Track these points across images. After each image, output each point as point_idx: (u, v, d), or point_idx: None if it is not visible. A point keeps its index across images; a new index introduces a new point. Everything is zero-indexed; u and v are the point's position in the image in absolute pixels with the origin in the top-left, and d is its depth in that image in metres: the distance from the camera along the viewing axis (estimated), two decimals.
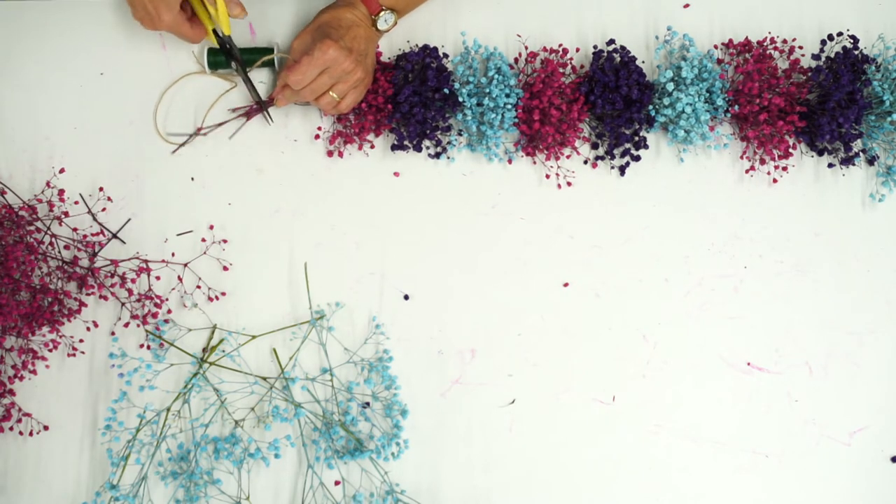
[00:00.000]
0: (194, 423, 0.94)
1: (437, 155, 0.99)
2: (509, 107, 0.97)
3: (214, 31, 0.93)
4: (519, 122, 0.98)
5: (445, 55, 1.01)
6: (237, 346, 0.96)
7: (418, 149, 0.99)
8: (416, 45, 1.01)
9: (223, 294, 0.96)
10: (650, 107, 0.99)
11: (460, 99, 0.97)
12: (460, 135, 1.00)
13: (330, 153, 0.99)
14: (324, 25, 0.93)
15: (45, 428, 0.94)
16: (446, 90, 0.97)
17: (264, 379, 0.95)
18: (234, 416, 0.94)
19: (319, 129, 0.99)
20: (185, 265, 0.96)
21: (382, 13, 0.95)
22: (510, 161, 1.00)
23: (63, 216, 0.95)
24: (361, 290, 0.98)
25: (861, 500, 0.99)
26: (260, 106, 0.98)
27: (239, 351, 0.96)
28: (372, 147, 1.00)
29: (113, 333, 0.95)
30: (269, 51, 0.98)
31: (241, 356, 0.96)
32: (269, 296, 0.97)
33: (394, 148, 0.98)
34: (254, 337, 0.96)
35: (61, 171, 0.97)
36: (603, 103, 0.98)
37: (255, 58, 0.98)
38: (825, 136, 0.99)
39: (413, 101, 0.96)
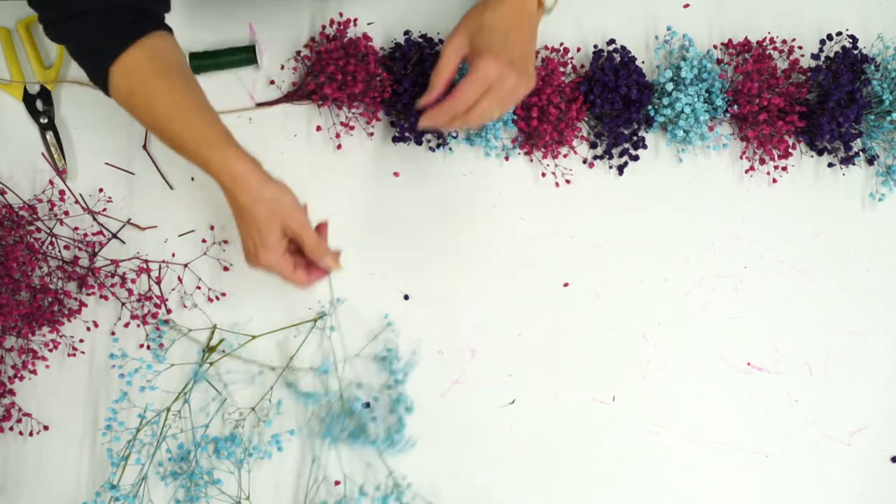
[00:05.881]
0: (194, 423, 0.94)
1: (437, 146, 0.99)
2: None
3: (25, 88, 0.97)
4: (517, 119, 0.98)
5: None
6: (237, 346, 0.96)
7: (419, 142, 0.98)
8: (416, 35, 1.00)
9: (223, 294, 0.97)
10: (649, 107, 0.99)
11: None
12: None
13: (340, 146, 0.99)
14: (483, 31, 0.82)
15: (45, 428, 0.94)
16: None
17: (272, 369, 0.95)
18: (234, 416, 0.94)
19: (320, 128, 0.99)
20: (186, 265, 0.97)
21: None
22: (507, 158, 1.00)
23: (64, 216, 0.95)
24: (361, 289, 0.98)
25: (861, 500, 0.98)
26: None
27: (239, 351, 0.96)
28: (371, 136, 0.99)
29: (113, 333, 0.95)
30: (251, 48, 0.98)
31: (240, 357, 0.96)
32: (269, 296, 0.97)
33: (395, 140, 0.98)
34: (254, 337, 0.96)
35: (62, 171, 0.97)
36: (602, 103, 0.98)
37: (239, 57, 0.98)
38: (825, 135, 0.99)
39: (413, 93, 0.96)
